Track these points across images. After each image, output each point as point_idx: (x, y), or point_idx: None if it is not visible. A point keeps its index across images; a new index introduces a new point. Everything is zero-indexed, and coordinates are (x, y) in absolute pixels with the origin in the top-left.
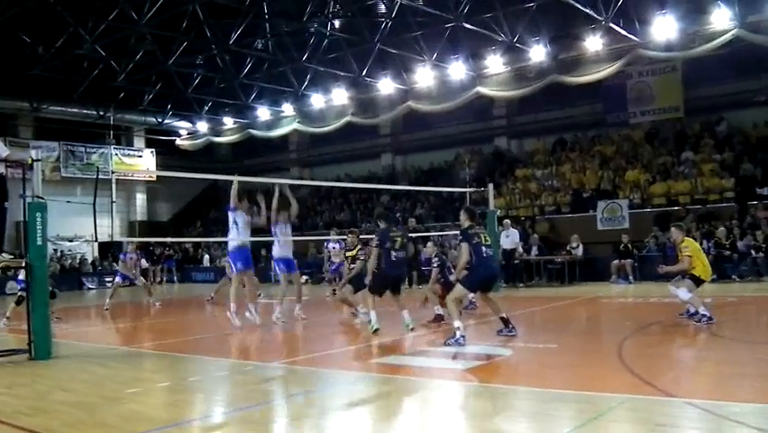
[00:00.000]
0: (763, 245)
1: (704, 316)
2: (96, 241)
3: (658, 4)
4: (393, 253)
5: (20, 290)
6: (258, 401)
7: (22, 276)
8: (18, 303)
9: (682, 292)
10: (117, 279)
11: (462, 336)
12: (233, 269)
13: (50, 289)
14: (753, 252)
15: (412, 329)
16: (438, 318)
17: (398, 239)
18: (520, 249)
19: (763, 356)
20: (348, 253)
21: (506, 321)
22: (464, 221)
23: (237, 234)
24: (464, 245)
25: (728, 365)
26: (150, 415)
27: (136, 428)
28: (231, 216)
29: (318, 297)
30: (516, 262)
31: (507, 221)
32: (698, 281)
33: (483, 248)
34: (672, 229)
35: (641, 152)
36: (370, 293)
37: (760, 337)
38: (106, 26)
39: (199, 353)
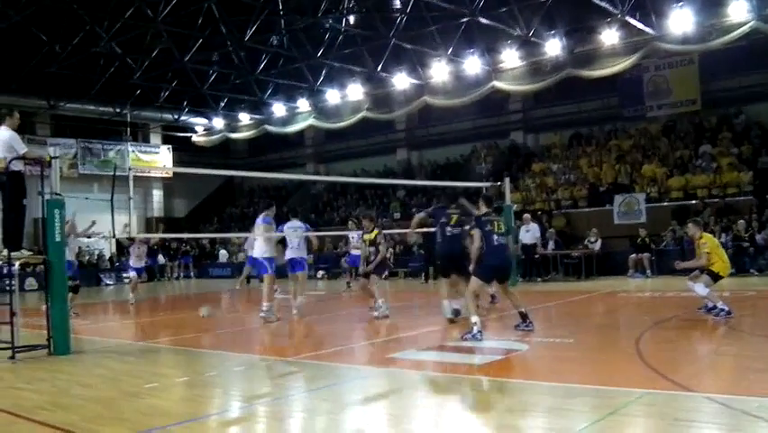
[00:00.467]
0: None
1: (722, 310)
2: (114, 237)
3: None
4: (496, 238)
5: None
6: (275, 396)
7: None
8: (75, 292)
9: (699, 287)
10: (132, 273)
11: (479, 332)
12: (268, 270)
13: (73, 284)
14: None
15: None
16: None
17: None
18: (539, 244)
19: None
20: (366, 237)
21: (524, 316)
22: (481, 207)
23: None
24: (476, 231)
25: (747, 360)
26: (168, 410)
27: (155, 422)
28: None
29: (335, 291)
30: (536, 256)
31: (527, 216)
32: (716, 277)
33: (495, 236)
34: (689, 225)
35: (658, 146)
36: (482, 280)
37: None
38: (122, 24)
39: (217, 348)
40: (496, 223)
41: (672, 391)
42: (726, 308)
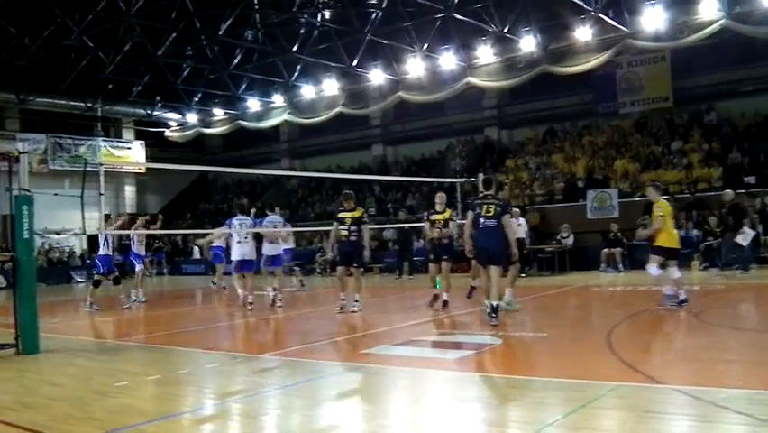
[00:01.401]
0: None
1: (670, 297)
2: (85, 234)
3: None
4: (483, 221)
5: (97, 274)
6: (248, 393)
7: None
8: (95, 285)
9: (652, 269)
10: (138, 266)
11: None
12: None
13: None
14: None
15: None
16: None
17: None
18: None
19: (749, 342)
20: (344, 215)
21: (494, 309)
22: (480, 189)
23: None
24: (468, 214)
25: (716, 352)
26: (139, 408)
27: (125, 421)
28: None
29: (312, 287)
30: (524, 251)
31: (516, 210)
32: (665, 252)
33: (482, 219)
34: (650, 189)
35: (630, 142)
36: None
37: (746, 324)
38: (94, 17)
39: (189, 345)
40: (485, 206)
41: (643, 384)
42: (677, 294)
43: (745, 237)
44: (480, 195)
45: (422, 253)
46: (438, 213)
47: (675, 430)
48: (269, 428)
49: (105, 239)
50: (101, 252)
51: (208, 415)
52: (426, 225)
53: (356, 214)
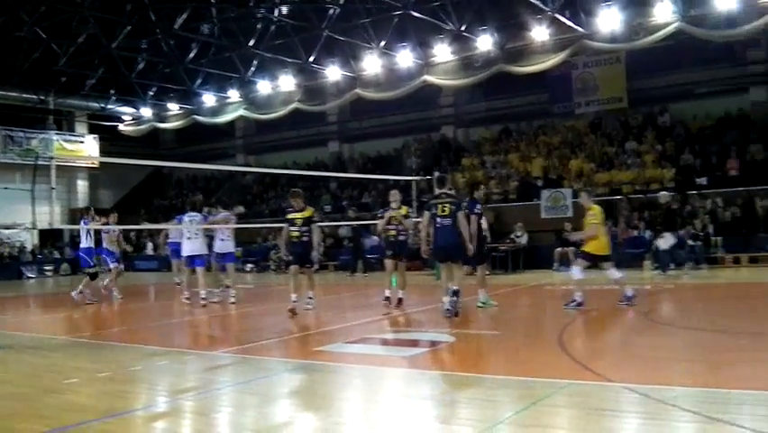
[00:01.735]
0: (701, 234)
1: (574, 301)
2: (35, 228)
3: None
4: (438, 220)
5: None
6: (200, 391)
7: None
8: (92, 278)
9: (576, 271)
10: (113, 263)
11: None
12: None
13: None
14: (691, 240)
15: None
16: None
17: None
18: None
19: (698, 341)
20: (294, 216)
21: (455, 293)
22: (434, 189)
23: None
24: (425, 214)
25: (665, 350)
26: (88, 405)
27: (73, 418)
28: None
29: (265, 284)
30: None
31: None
32: (593, 258)
33: (438, 219)
34: (582, 194)
35: (585, 142)
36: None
37: (695, 323)
38: (47, 8)
39: (141, 342)
40: (440, 206)
41: (594, 382)
42: (579, 300)
43: (665, 241)
44: (435, 194)
45: (376, 250)
46: (393, 210)
47: (625, 428)
48: (221, 426)
49: (88, 232)
50: (83, 245)
51: (159, 412)
52: (379, 222)
53: (306, 213)
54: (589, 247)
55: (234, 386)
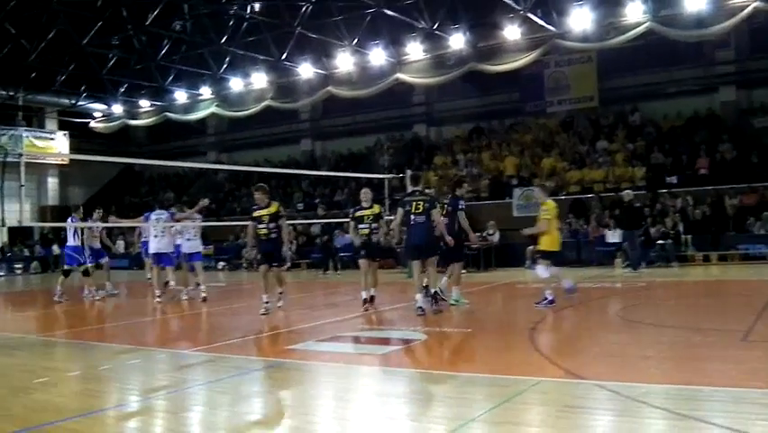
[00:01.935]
0: (672, 232)
1: (546, 300)
2: (4, 226)
3: None
4: (413, 217)
5: (68, 265)
6: (171, 389)
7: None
8: (65, 275)
9: (541, 270)
10: (104, 258)
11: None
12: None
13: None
14: (662, 239)
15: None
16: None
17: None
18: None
19: (668, 339)
20: (260, 213)
21: (434, 297)
22: (408, 186)
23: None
24: (398, 211)
25: (635, 348)
26: (59, 405)
27: (44, 418)
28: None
29: (237, 283)
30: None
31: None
32: (548, 255)
33: (412, 216)
34: (537, 189)
35: (557, 141)
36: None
37: (666, 321)
38: (17, 3)
39: (112, 341)
40: (414, 203)
41: (565, 379)
42: (550, 298)
43: (613, 234)
44: (409, 191)
45: (349, 249)
46: (365, 209)
47: (595, 425)
48: (193, 425)
49: (75, 230)
50: (70, 243)
51: (130, 411)
52: (351, 223)
53: (272, 210)
54: (544, 244)
55: (206, 385)
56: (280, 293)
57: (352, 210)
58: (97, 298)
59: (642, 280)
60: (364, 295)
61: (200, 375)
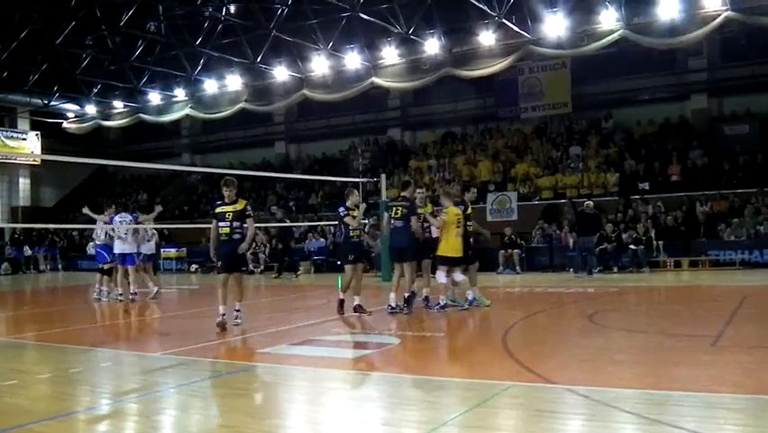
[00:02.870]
0: (644, 238)
1: (438, 304)
2: None
3: (549, 2)
4: (393, 222)
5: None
6: (143, 393)
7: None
8: (107, 274)
9: (439, 276)
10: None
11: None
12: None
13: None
14: (633, 245)
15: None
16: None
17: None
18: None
19: (639, 344)
20: (224, 209)
21: (407, 301)
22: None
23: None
24: (384, 216)
25: (607, 353)
26: (28, 408)
27: (12, 421)
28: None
29: (210, 285)
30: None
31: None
32: (450, 261)
33: (393, 220)
34: (443, 195)
35: (531, 146)
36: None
37: (636, 326)
38: None
39: (82, 343)
40: (394, 208)
41: (536, 384)
42: (444, 302)
43: (573, 239)
44: (395, 197)
45: (323, 252)
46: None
47: (566, 429)
48: (164, 428)
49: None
50: (99, 241)
51: (100, 415)
52: (354, 221)
53: (238, 207)
54: (442, 250)
55: (177, 388)
56: (237, 310)
57: (342, 211)
58: (119, 298)
59: (613, 286)
60: (341, 296)
61: (172, 378)
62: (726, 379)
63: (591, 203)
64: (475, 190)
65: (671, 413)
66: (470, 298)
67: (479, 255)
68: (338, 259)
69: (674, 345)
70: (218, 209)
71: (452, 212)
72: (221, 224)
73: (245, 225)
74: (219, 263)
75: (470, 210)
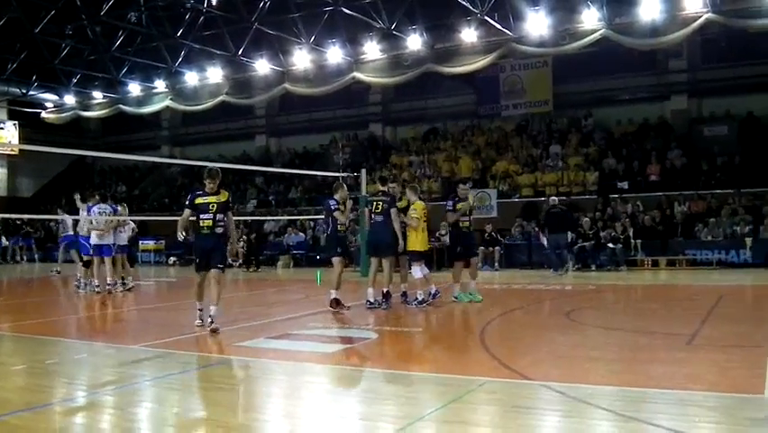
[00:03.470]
0: (622, 237)
1: (416, 300)
2: None
3: (531, 0)
4: (372, 216)
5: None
6: (119, 385)
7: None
8: (87, 266)
9: (415, 270)
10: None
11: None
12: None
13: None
14: (612, 243)
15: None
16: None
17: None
18: None
19: (615, 341)
20: (207, 200)
21: (385, 296)
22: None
23: None
24: (365, 210)
25: (583, 349)
26: (3, 399)
27: None
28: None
29: (188, 278)
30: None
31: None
32: (419, 256)
33: (372, 215)
34: (408, 190)
35: (511, 144)
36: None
37: (613, 324)
38: None
39: (59, 335)
40: (374, 203)
41: (513, 380)
42: (422, 298)
43: (546, 239)
44: (377, 192)
45: (302, 246)
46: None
47: (542, 425)
48: (139, 421)
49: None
50: (83, 232)
51: (76, 406)
52: (342, 216)
53: (222, 198)
54: (413, 245)
55: (154, 381)
56: (211, 315)
57: (332, 205)
58: (96, 290)
59: (591, 284)
60: (334, 294)
61: (148, 371)
62: (701, 377)
63: (556, 199)
64: (470, 185)
65: (646, 410)
66: (432, 291)
67: (476, 250)
68: (325, 252)
69: (650, 343)
70: (200, 200)
71: (419, 207)
72: (203, 216)
73: (226, 219)
74: (197, 260)
75: (474, 204)
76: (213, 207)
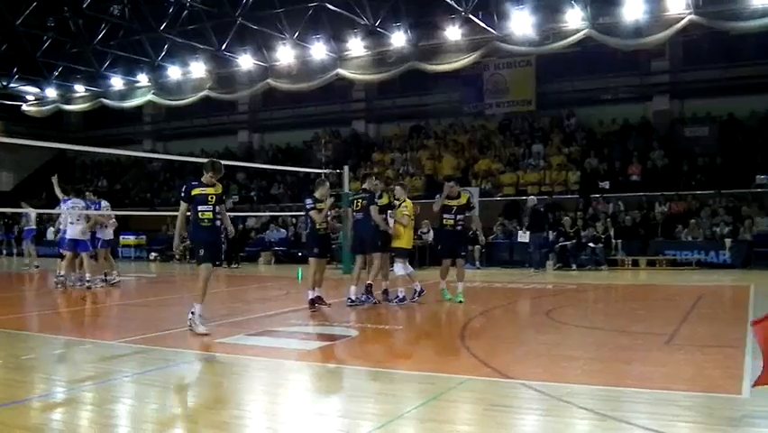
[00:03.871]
0: (603, 236)
1: (397, 297)
2: None
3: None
4: (354, 214)
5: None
6: (98, 381)
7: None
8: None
9: (398, 268)
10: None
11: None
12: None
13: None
14: (593, 243)
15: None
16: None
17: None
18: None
19: (594, 340)
20: (206, 191)
21: (368, 288)
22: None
23: None
24: (348, 210)
25: (562, 348)
26: None
27: None
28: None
29: (168, 274)
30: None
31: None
32: (404, 253)
33: (354, 213)
34: (397, 188)
35: (494, 143)
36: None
37: (593, 323)
38: None
39: (36, 330)
40: (355, 201)
41: (492, 378)
42: (402, 295)
43: (523, 237)
44: (359, 190)
45: (284, 243)
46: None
47: (520, 423)
48: (118, 417)
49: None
50: (63, 227)
51: (54, 402)
52: (318, 216)
53: (219, 190)
54: (400, 243)
55: (132, 377)
56: (192, 314)
57: (309, 203)
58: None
59: (572, 283)
60: (312, 294)
61: (127, 367)
62: (679, 376)
63: (535, 198)
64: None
65: (623, 409)
66: (417, 289)
67: (465, 249)
68: (305, 251)
69: (629, 343)
70: (197, 190)
71: (410, 205)
72: (202, 207)
73: (221, 212)
74: (201, 252)
75: (471, 204)
76: (212, 198)
